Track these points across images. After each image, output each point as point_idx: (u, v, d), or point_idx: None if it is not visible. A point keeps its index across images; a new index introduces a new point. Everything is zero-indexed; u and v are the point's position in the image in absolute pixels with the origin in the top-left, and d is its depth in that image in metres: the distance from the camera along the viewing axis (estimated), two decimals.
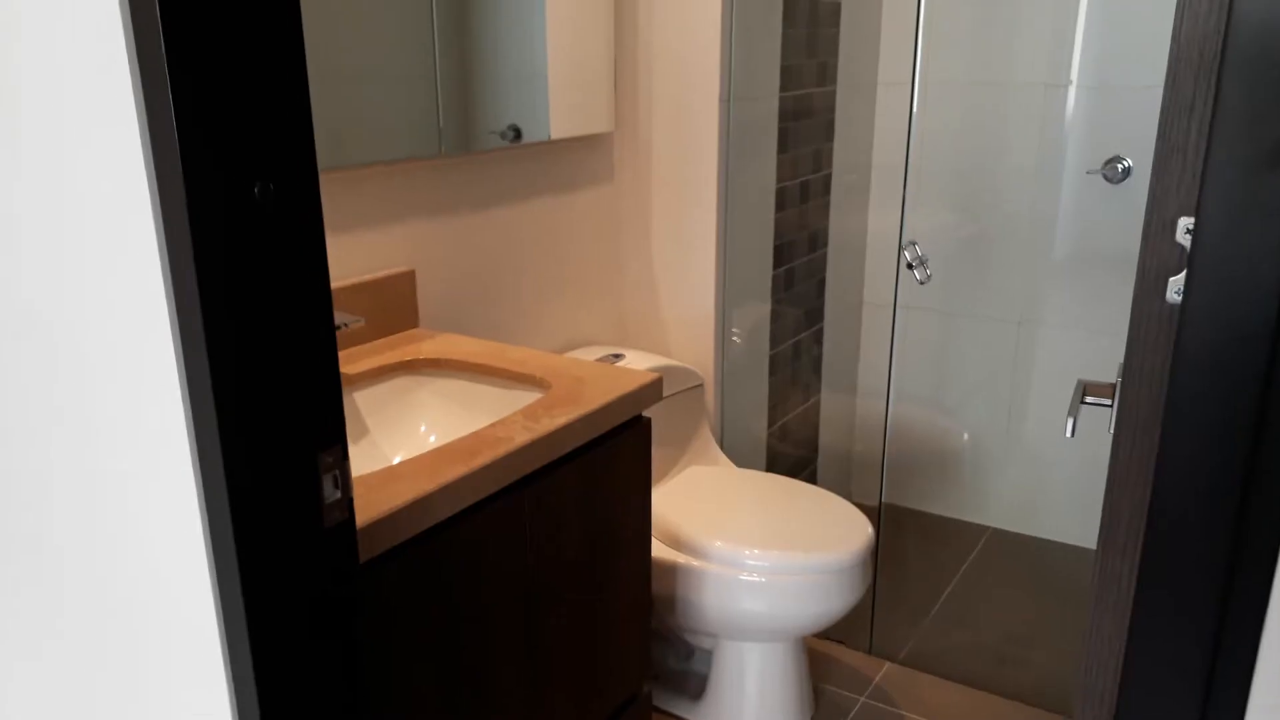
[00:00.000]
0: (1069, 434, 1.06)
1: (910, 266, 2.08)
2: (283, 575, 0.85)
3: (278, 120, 0.77)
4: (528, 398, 1.46)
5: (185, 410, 0.77)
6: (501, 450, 1.19)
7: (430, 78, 1.63)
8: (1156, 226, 0.67)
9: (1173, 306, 0.66)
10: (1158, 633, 0.55)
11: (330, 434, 0.89)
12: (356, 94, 1.51)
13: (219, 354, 0.76)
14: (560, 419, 1.28)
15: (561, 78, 1.90)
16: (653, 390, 1.44)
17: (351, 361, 1.50)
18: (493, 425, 1.26)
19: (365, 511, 1.05)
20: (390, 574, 1.08)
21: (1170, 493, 0.56)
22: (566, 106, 1.93)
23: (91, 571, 0.91)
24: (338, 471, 0.90)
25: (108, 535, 0.87)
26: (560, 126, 1.92)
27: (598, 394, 1.37)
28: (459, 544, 1.16)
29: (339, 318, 1.37)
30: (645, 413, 1.46)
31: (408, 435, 1.49)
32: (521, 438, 1.23)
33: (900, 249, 2.02)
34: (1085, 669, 0.72)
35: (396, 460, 1.45)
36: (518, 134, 1.89)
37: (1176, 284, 0.65)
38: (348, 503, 0.90)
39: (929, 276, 2.11)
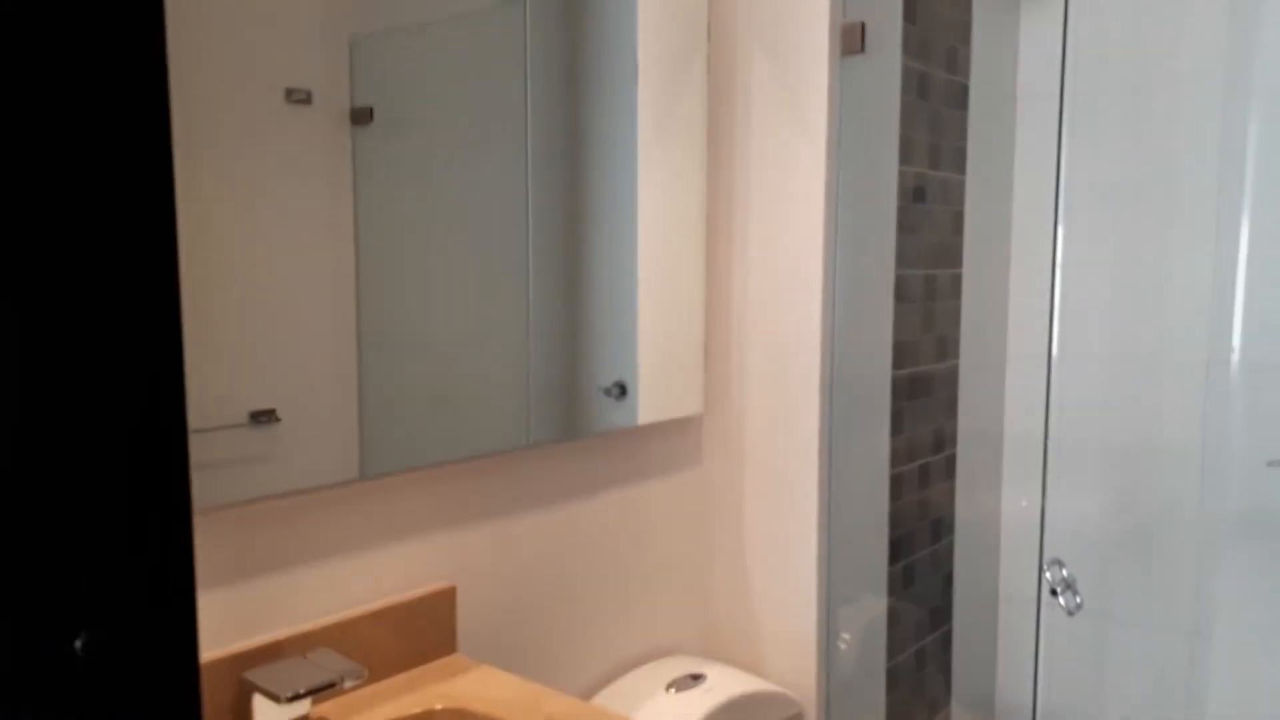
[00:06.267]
0: None
1: (1054, 593, 1.74)
2: None
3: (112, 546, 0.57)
4: None
5: None
6: None
7: (522, 377, 1.48)
8: None
9: None
10: None
11: None
12: (424, 387, 1.35)
13: None
14: None
15: (650, 362, 1.72)
16: None
17: (359, 710, 1.26)
18: None
19: None
20: None
21: None
22: (653, 389, 1.74)
23: None
24: None
25: None
26: (647, 411, 1.73)
27: None
28: None
29: (330, 673, 1.15)
30: None
31: None
32: None
33: (1041, 565, 1.69)
34: None
35: None
36: (623, 390, 1.71)
37: None
38: None
39: (1079, 605, 1.76)
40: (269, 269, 1.19)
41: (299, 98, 1.21)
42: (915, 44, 2.00)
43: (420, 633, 1.40)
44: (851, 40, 1.76)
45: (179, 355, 0.60)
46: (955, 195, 2.18)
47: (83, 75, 0.53)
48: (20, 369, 0.51)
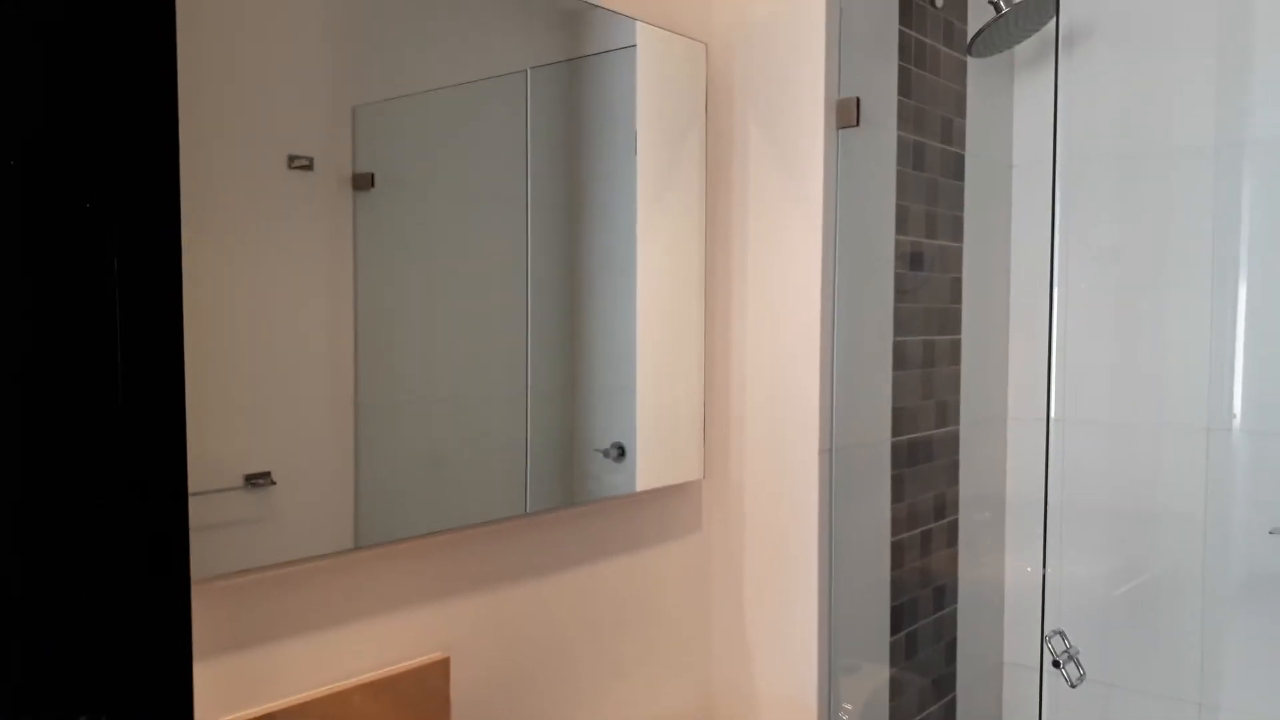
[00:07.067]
0: None
1: (1056, 664, 1.72)
2: None
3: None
4: None
5: None
6: None
7: (521, 441, 1.47)
8: None
9: None
10: None
11: None
12: (424, 452, 1.35)
13: None
14: None
15: (649, 428, 1.71)
16: None
17: None
18: None
19: None
20: None
21: None
22: (652, 454, 1.73)
23: None
24: None
25: None
26: (646, 476, 1.72)
27: None
28: None
29: None
30: None
31: None
32: None
33: (1043, 639, 1.67)
34: None
35: None
36: (621, 452, 1.70)
37: None
38: None
39: (1082, 677, 1.73)
40: (268, 330, 1.19)
41: (301, 164, 1.22)
42: (910, 116, 2.04)
43: (413, 705, 1.37)
44: (847, 114, 1.79)
45: (183, 467, 0.59)
46: (953, 262, 2.19)
47: (100, 140, 0.54)
48: (20, 449, 0.51)
